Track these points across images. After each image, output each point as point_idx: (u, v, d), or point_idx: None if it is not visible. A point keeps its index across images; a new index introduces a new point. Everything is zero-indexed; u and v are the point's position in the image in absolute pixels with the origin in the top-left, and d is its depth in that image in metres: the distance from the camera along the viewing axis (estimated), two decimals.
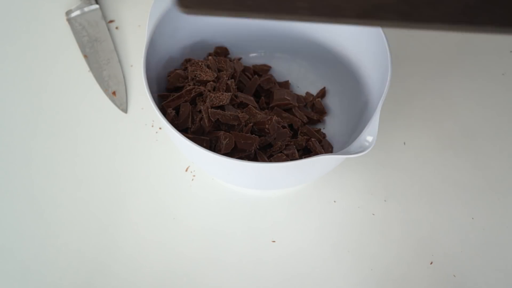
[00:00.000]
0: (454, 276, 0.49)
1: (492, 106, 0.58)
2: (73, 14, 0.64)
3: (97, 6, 0.64)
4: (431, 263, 0.49)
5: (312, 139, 0.51)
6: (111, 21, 0.64)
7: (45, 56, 0.62)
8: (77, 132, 0.56)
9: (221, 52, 0.57)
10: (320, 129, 0.54)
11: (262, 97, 0.54)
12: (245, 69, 0.56)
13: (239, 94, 0.52)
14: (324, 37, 0.56)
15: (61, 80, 0.60)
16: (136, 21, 0.64)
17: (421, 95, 0.59)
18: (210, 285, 0.48)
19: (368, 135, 0.42)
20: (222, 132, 0.47)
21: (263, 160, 0.48)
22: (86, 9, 0.64)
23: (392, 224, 0.51)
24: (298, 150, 0.50)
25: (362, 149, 0.42)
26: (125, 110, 0.58)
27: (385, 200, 0.52)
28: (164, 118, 0.44)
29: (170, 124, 0.43)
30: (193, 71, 0.51)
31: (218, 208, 0.52)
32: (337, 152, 0.42)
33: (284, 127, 0.51)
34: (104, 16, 0.64)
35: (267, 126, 0.49)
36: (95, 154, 0.55)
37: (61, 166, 0.54)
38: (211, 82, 0.50)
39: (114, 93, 0.58)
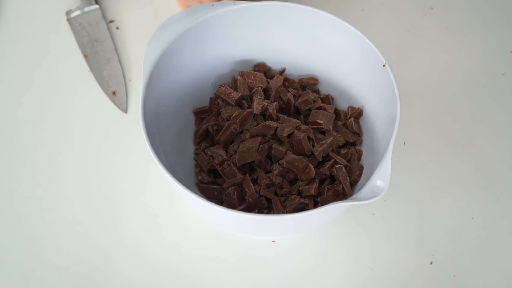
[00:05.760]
0: (454, 276, 0.49)
1: (492, 106, 0.58)
2: (73, 14, 0.64)
3: (97, 6, 0.64)
4: (431, 263, 0.49)
5: (337, 166, 0.48)
6: (111, 21, 0.64)
7: (45, 56, 0.62)
8: (77, 132, 0.56)
9: (260, 69, 0.55)
10: (350, 150, 0.50)
11: (301, 116, 0.53)
12: (290, 82, 0.55)
13: (279, 129, 0.50)
14: (326, 72, 0.55)
15: (61, 80, 0.60)
16: (136, 21, 0.64)
17: (421, 95, 0.59)
18: (210, 285, 0.48)
19: (379, 180, 0.40)
20: (231, 189, 0.47)
21: (276, 206, 0.47)
22: (86, 9, 0.64)
23: (392, 224, 0.51)
24: (324, 180, 0.49)
25: (374, 194, 0.39)
26: (125, 110, 0.58)
27: (385, 200, 0.52)
28: (167, 171, 0.41)
29: (173, 178, 0.41)
30: (219, 95, 0.52)
31: None
32: (348, 199, 0.40)
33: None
34: (104, 16, 0.64)
35: (304, 176, 0.47)
36: (95, 154, 0.55)
37: (61, 166, 0.54)
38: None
39: (114, 93, 0.59)
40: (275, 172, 0.48)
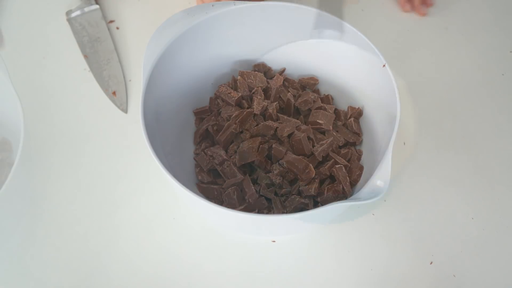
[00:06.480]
0: (454, 276, 0.49)
1: (492, 106, 0.58)
2: (73, 14, 0.64)
3: (97, 6, 0.64)
4: (431, 263, 0.49)
5: (337, 166, 0.48)
6: (111, 21, 0.64)
7: (45, 56, 0.62)
8: (77, 132, 0.56)
9: (260, 69, 0.55)
10: (350, 150, 0.51)
11: (301, 116, 0.53)
12: (290, 82, 0.55)
13: (279, 128, 0.50)
14: (326, 72, 0.55)
15: (61, 80, 0.60)
16: (136, 21, 0.64)
17: (421, 95, 0.59)
18: (210, 285, 0.48)
19: (379, 180, 0.40)
20: (231, 189, 0.47)
21: (276, 206, 0.47)
22: (86, 9, 0.64)
23: (392, 224, 0.51)
24: (324, 180, 0.49)
25: (374, 194, 0.40)
26: (125, 110, 0.58)
27: (385, 200, 0.52)
28: (167, 171, 0.42)
29: (174, 178, 0.41)
30: (219, 95, 0.52)
31: None
32: (348, 199, 0.41)
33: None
34: (104, 16, 0.64)
35: (304, 176, 0.47)
36: (95, 154, 0.55)
37: (61, 166, 0.54)
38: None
39: (114, 93, 0.59)
40: (275, 172, 0.48)
